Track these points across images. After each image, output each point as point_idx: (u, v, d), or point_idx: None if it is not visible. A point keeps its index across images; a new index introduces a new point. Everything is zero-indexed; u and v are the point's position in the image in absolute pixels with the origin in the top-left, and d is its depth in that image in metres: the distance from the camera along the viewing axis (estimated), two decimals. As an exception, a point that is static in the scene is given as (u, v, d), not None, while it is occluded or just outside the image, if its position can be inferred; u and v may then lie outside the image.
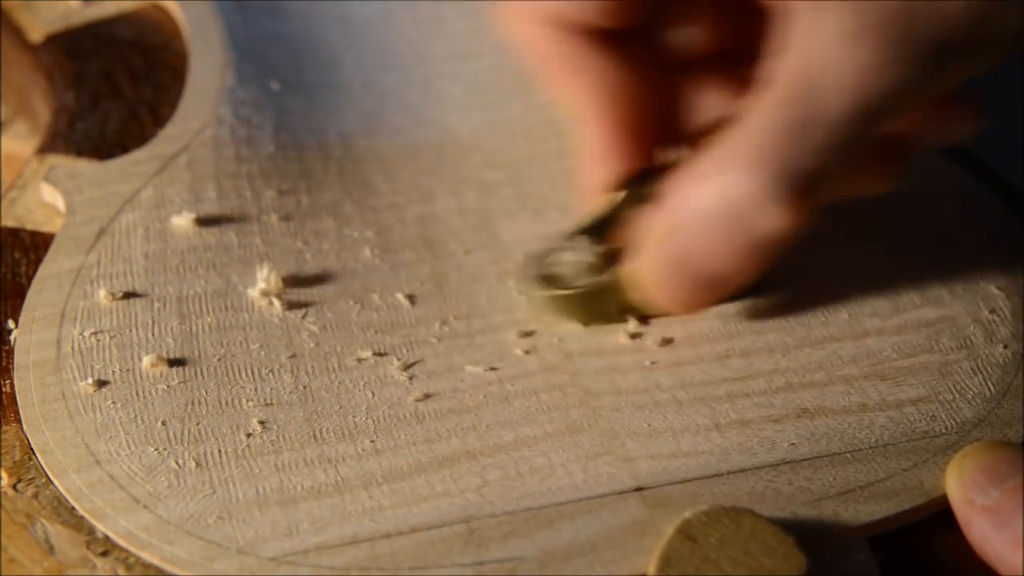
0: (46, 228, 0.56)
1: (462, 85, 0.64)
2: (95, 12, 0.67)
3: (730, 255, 0.49)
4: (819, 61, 0.47)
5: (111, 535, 0.45)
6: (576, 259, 0.53)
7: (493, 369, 0.51)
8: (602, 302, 0.52)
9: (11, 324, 0.52)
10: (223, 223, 0.56)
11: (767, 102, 0.48)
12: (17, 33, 0.66)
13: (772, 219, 0.48)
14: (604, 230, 0.53)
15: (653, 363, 0.51)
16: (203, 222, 0.56)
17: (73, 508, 0.46)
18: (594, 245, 0.53)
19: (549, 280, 0.53)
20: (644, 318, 0.53)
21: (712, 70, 0.55)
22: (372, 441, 0.48)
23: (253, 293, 0.53)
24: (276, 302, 0.53)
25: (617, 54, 0.53)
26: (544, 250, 0.54)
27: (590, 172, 0.54)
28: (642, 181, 0.52)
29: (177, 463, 0.47)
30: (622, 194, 0.53)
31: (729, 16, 0.54)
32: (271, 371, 0.51)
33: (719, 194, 0.48)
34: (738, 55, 0.53)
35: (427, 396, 0.50)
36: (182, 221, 0.56)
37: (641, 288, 0.52)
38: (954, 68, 0.49)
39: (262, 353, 0.51)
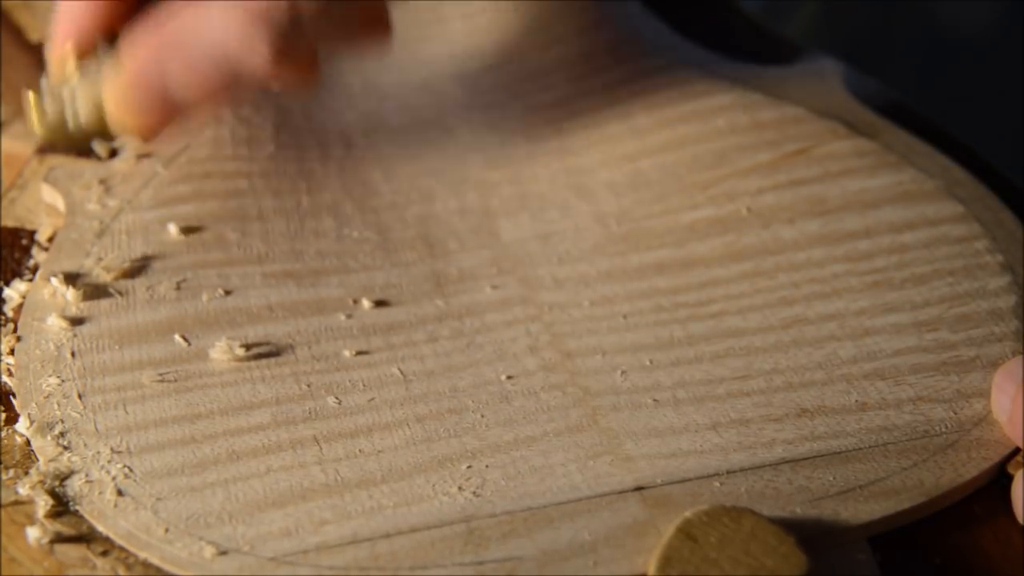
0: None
1: (462, 85, 0.64)
2: (95, 12, 0.67)
3: (201, 83, 0.53)
4: None
5: (111, 535, 0.45)
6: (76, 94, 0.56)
7: (493, 369, 0.51)
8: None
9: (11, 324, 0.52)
10: (223, 223, 0.56)
11: None
12: (17, 33, 0.66)
13: (251, 62, 0.53)
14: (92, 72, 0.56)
15: (652, 362, 0.51)
16: (203, 223, 0.56)
17: (73, 508, 0.46)
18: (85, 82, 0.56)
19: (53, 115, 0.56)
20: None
21: None
22: (372, 441, 0.48)
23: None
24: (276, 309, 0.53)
25: None
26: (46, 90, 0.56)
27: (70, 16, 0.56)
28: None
29: (178, 463, 0.47)
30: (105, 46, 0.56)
31: None
32: (271, 371, 0.51)
33: (211, 28, 0.53)
34: None
35: (426, 396, 0.50)
36: (179, 223, 0.56)
37: (110, 102, 0.55)
38: None
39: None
